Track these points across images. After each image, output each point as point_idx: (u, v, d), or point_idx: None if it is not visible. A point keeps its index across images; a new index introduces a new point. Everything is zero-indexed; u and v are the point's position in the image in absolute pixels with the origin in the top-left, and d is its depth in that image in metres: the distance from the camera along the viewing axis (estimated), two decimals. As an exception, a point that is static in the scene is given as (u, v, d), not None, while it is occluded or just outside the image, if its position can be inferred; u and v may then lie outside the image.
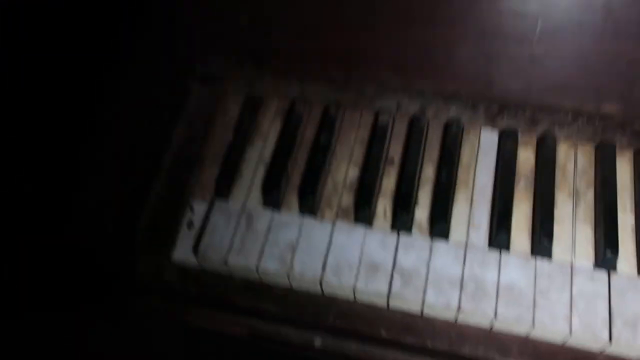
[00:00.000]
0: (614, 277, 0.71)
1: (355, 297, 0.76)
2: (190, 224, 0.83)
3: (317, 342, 0.83)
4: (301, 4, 0.78)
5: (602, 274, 0.71)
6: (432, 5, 0.72)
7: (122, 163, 0.81)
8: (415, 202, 0.79)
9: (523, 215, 0.76)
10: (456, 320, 0.74)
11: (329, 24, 0.77)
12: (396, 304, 0.75)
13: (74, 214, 0.80)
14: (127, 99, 0.87)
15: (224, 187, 0.83)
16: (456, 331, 0.74)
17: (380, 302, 0.75)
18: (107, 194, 0.81)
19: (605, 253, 0.70)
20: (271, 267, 0.77)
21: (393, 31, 0.75)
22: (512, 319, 0.70)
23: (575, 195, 0.76)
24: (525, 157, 0.80)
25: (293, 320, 0.80)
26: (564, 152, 0.80)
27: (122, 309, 0.87)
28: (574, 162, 0.79)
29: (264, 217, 0.81)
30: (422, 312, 0.74)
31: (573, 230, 0.74)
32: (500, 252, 0.74)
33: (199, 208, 0.84)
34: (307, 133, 0.87)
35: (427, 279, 0.74)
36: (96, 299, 0.85)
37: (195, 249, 0.80)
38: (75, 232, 0.80)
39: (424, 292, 0.73)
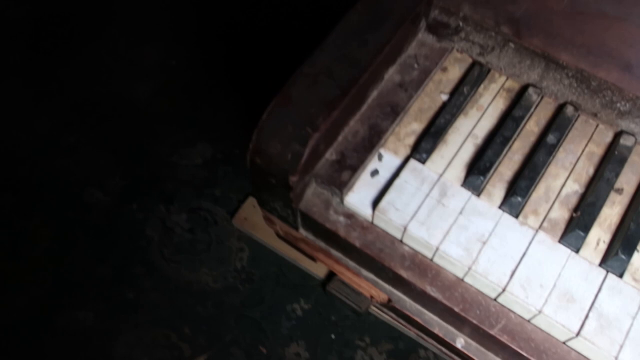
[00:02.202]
0: None
1: (532, 319, 0.68)
2: (374, 173, 0.76)
3: (460, 343, 0.76)
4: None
5: None
6: None
7: (333, 86, 0.73)
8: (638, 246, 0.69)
9: None
10: (638, 389, 0.65)
11: (629, 20, 0.66)
12: (579, 345, 0.66)
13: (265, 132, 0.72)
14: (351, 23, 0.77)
15: (424, 149, 0.75)
16: (635, 401, 0.65)
17: (561, 336, 0.67)
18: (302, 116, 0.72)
19: None
20: (454, 252, 0.69)
21: None
22: None
23: None
24: None
25: (446, 312, 0.73)
26: None
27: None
28: None
29: (459, 196, 0.73)
30: (604, 365, 0.66)
31: None
32: None
33: (388, 160, 0.76)
34: (531, 125, 0.77)
35: (628, 334, 0.65)
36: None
37: (376, 201, 0.73)
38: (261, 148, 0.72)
39: (621, 347, 0.64)
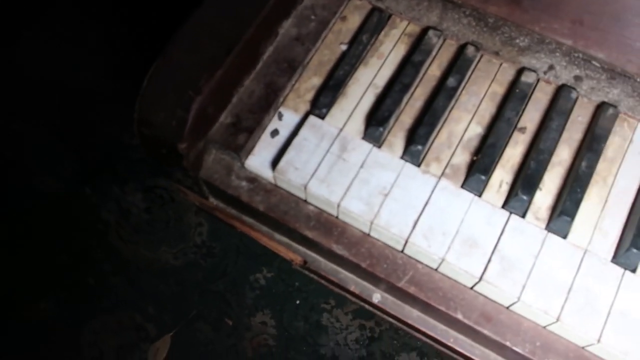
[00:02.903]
0: None
1: (438, 267, 0.67)
2: (274, 133, 0.73)
3: (376, 298, 0.75)
4: None
5: None
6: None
7: (215, 45, 0.69)
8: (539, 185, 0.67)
9: (664, 237, 0.64)
10: (545, 327, 0.65)
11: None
12: (484, 289, 0.65)
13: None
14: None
15: (323, 103, 0.72)
16: (542, 339, 0.64)
17: (467, 281, 0.66)
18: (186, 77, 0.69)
19: None
20: (355, 208, 0.67)
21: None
22: (618, 351, 0.60)
23: None
24: (683, 172, 0.67)
25: (356, 268, 0.71)
26: None
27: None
28: None
29: (360, 150, 0.70)
30: (510, 306, 0.65)
31: None
32: (625, 271, 0.63)
33: (288, 118, 0.73)
34: (433, 69, 0.74)
35: (530, 274, 0.63)
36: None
37: (275, 162, 0.71)
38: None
39: (523, 287, 0.63)
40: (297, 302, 1.54)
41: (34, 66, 1.78)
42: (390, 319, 0.78)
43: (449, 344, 0.73)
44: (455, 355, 0.76)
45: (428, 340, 0.77)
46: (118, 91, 1.75)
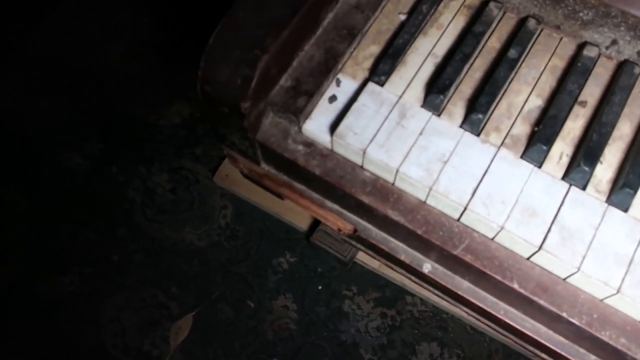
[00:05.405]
0: None
1: (495, 236, 0.67)
2: (332, 99, 0.73)
3: (426, 268, 0.75)
4: None
5: None
6: None
7: (282, 5, 0.69)
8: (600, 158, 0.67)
9: None
10: (603, 300, 0.64)
11: None
12: (542, 260, 0.65)
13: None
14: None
15: (382, 70, 0.72)
16: (600, 311, 0.64)
17: (524, 251, 0.66)
18: (249, 38, 0.70)
19: None
20: (414, 173, 0.67)
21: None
22: (681, 322, 0.60)
23: None
24: None
25: (410, 236, 0.71)
26: None
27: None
28: None
29: (419, 117, 0.70)
30: (567, 277, 0.65)
31: None
32: (688, 245, 0.63)
33: (346, 85, 0.74)
34: (492, 41, 0.74)
35: (590, 244, 0.63)
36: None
37: (333, 127, 0.71)
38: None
39: (583, 258, 0.63)
40: (319, 287, 1.54)
41: (61, 46, 1.80)
42: (438, 292, 0.79)
43: (499, 316, 0.73)
44: (502, 330, 0.76)
45: (475, 314, 0.77)
46: (145, 73, 1.76)
